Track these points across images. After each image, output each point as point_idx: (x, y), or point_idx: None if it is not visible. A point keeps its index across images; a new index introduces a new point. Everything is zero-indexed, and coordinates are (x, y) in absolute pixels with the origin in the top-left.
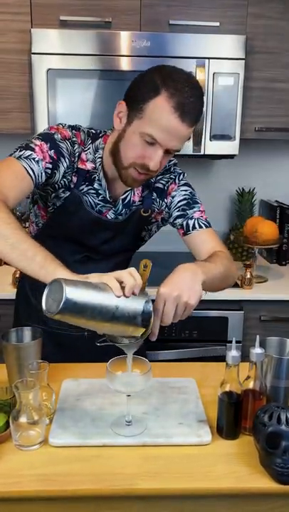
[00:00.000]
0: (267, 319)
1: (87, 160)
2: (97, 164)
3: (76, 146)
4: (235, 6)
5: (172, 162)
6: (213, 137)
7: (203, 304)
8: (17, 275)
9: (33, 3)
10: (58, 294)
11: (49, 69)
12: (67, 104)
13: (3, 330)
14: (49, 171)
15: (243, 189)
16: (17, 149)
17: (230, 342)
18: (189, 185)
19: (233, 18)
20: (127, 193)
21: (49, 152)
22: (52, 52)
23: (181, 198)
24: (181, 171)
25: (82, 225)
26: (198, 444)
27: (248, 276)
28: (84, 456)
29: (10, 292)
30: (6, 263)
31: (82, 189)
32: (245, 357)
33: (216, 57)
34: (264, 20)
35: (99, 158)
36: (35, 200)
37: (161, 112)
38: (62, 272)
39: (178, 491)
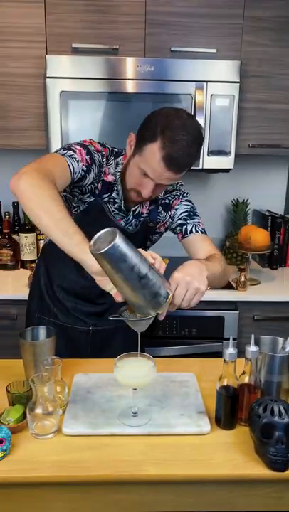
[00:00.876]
0: (260, 319)
1: (109, 173)
2: (117, 177)
3: (104, 159)
4: (230, 34)
5: (179, 184)
6: (211, 153)
7: (202, 304)
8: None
9: (48, 32)
10: (110, 237)
11: (62, 91)
12: (78, 123)
13: (20, 329)
14: (83, 173)
15: (237, 200)
16: (60, 149)
17: (227, 339)
18: (191, 202)
19: (229, 45)
20: (137, 206)
21: (86, 157)
22: (65, 76)
23: (183, 210)
24: (185, 191)
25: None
26: (198, 434)
27: (243, 279)
28: (94, 444)
29: (26, 293)
30: (23, 266)
31: (104, 198)
32: (240, 353)
33: (214, 81)
34: (257, 47)
35: (119, 172)
36: None
37: (153, 157)
38: (89, 260)
39: (180, 476)
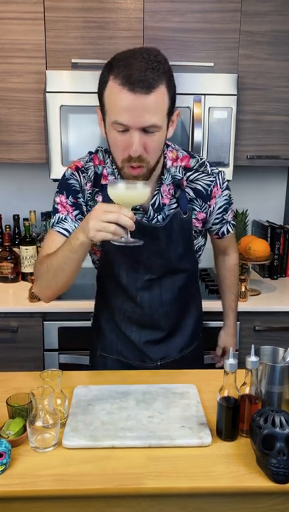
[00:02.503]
0: (261, 329)
1: (108, 174)
2: (116, 174)
3: (91, 170)
4: (227, 48)
5: (202, 160)
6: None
7: (203, 315)
8: (33, 290)
9: (48, 48)
10: None
11: (62, 105)
12: (78, 136)
13: (20, 341)
14: (80, 215)
15: (237, 210)
16: (51, 216)
17: (228, 350)
18: (228, 188)
19: (226, 59)
20: (154, 198)
21: (68, 201)
22: (64, 90)
23: (222, 203)
24: (217, 170)
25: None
26: (199, 446)
27: (243, 289)
28: (95, 457)
29: (27, 306)
30: (23, 279)
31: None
32: (240, 364)
33: (211, 94)
34: (254, 61)
35: (116, 168)
36: None
37: (114, 95)
38: (79, 234)
39: (181, 489)
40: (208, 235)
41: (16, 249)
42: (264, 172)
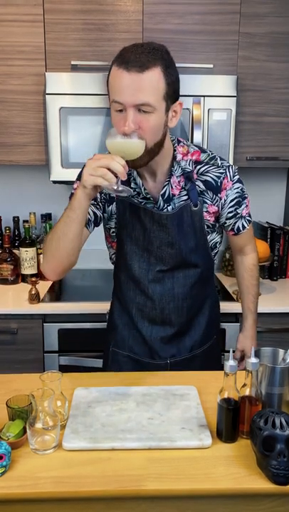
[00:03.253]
0: (261, 330)
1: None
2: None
3: None
4: (226, 50)
5: (213, 155)
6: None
7: None
8: (33, 292)
9: (47, 50)
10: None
11: (61, 107)
12: (77, 138)
13: (19, 343)
14: (93, 201)
15: None
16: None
17: (228, 352)
18: (240, 181)
19: (225, 61)
20: (165, 188)
21: None
22: (64, 92)
23: (234, 196)
24: (228, 164)
25: (142, 227)
26: (199, 447)
27: None
28: (95, 459)
29: (27, 308)
30: (23, 280)
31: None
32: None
33: (211, 95)
34: (253, 62)
35: None
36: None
37: (112, 77)
38: (77, 190)
39: (181, 491)
40: (224, 232)
41: (15, 251)
42: (263, 173)
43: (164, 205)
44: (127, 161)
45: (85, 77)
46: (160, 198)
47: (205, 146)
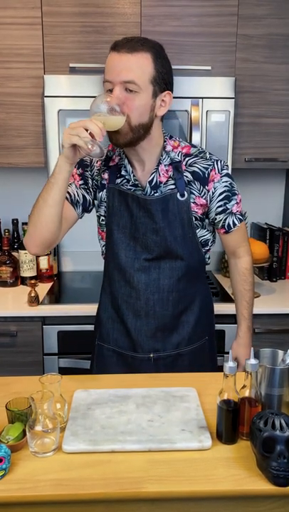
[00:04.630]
0: (260, 331)
1: (115, 157)
2: (122, 154)
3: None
4: (224, 51)
5: (203, 150)
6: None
7: None
8: (32, 294)
9: (46, 53)
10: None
11: (60, 110)
12: None
13: (19, 345)
14: (84, 185)
15: None
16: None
17: (228, 353)
18: (230, 176)
19: (224, 63)
20: (152, 175)
21: (77, 172)
22: (62, 95)
23: (222, 190)
24: (218, 158)
25: (129, 214)
26: (199, 449)
27: None
28: (95, 461)
29: (26, 310)
30: (23, 283)
31: (117, 182)
32: (240, 366)
33: (209, 97)
34: (251, 64)
35: (123, 153)
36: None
37: (106, 61)
38: (59, 158)
39: (181, 493)
40: (216, 232)
41: (15, 254)
42: (262, 174)
43: (150, 192)
44: (112, 137)
45: (83, 79)
46: (147, 185)
47: (204, 148)
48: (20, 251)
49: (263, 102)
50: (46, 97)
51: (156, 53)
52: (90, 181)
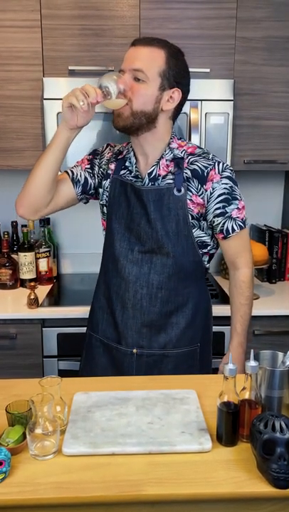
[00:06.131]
0: (260, 333)
1: (124, 152)
2: (129, 147)
3: (118, 147)
4: (223, 54)
5: (208, 151)
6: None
7: None
8: (32, 296)
9: (45, 56)
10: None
11: (59, 112)
12: (75, 142)
13: (19, 348)
14: (90, 170)
15: None
16: None
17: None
18: (231, 179)
19: (222, 65)
20: (152, 168)
21: (87, 157)
22: (61, 97)
23: (221, 191)
24: (220, 160)
25: (127, 204)
26: (199, 452)
27: None
28: (95, 464)
29: (26, 312)
30: (22, 285)
31: (120, 173)
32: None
33: (208, 99)
34: (249, 66)
35: (132, 150)
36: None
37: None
38: (60, 125)
39: (182, 496)
40: (215, 237)
41: (14, 256)
42: (261, 176)
43: (148, 184)
44: (114, 119)
45: (82, 82)
46: (146, 177)
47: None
48: (19, 253)
49: (262, 104)
50: (45, 99)
51: (172, 52)
52: (96, 168)
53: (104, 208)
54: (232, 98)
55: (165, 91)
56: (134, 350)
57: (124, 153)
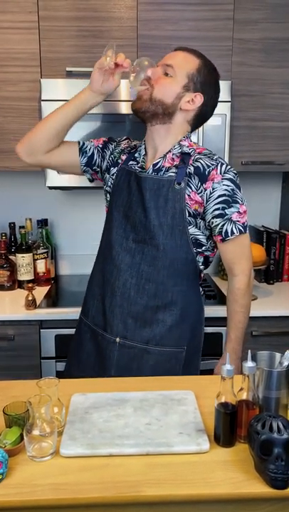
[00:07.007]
0: (258, 334)
1: (138, 147)
2: (142, 141)
3: (135, 142)
4: (220, 55)
5: (215, 154)
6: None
7: None
8: (29, 298)
9: (43, 57)
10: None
11: None
12: None
13: (16, 349)
14: (101, 151)
15: None
16: None
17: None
18: (234, 182)
19: (219, 66)
20: (158, 159)
21: (103, 139)
22: (59, 99)
23: (221, 192)
24: (225, 163)
25: (128, 192)
26: (197, 452)
27: None
28: (92, 465)
29: (24, 314)
30: (20, 286)
31: (129, 164)
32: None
33: None
34: (247, 68)
35: (145, 147)
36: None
37: None
38: (84, 88)
39: (180, 497)
40: (213, 239)
41: (12, 257)
42: (259, 177)
43: (151, 173)
44: (134, 101)
45: (80, 83)
46: (151, 167)
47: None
48: (17, 254)
49: (259, 105)
50: (43, 100)
51: (206, 64)
52: (107, 152)
53: (108, 194)
54: (229, 99)
55: (188, 92)
56: (118, 339)
57: (138, 147)
